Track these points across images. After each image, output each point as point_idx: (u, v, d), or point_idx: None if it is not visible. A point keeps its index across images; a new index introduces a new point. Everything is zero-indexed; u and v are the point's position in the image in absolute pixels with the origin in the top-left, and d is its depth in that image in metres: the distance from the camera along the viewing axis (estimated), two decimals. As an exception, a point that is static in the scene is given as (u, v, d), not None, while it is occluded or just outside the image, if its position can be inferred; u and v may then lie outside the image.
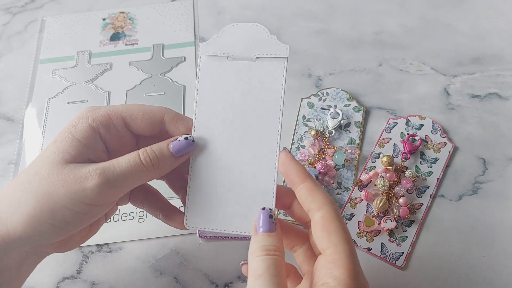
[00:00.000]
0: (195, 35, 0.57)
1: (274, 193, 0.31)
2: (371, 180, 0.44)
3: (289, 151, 0.31)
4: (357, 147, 0.46)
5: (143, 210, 0.44)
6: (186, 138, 0.31)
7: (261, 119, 0.31)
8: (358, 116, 0.48)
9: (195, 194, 0.32)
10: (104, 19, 0.59)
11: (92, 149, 0.30)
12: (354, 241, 0.41)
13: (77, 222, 0.29)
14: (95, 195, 0.28)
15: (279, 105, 0.31)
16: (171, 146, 0.31)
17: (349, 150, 0.45)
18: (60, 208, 0.28)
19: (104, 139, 0.31)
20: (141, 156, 0.29)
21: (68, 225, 0.29)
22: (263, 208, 0.30)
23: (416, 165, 0.45)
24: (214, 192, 0.32)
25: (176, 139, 0.31)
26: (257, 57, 0.31)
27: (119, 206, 0.38)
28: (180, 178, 0.35)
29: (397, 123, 0.48)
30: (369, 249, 0.41)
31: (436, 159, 0.45)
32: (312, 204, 0.28)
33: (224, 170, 0.32)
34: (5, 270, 0.29)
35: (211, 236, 0.42)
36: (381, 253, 0.41)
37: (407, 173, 0.44)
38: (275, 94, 0.31)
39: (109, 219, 0.44)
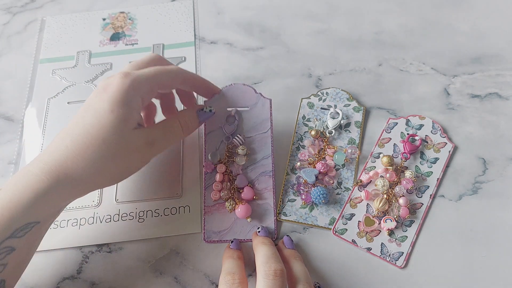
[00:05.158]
0: (195, 35, 0.57)
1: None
2: (371, 180, 0.44)
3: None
4: (357, 147, 0.46)
5: (143, 210, 0.44)
6: (210, 111, 0.42)
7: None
8: (358, 116, 0.48)
9: None
10: (104, 19, 0.59)
11: (139, 114, 0.36)
12: (354, 241, 0.41)
13: (140, 168, 0.38)
14: (155, 155, 0.38)
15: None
16: (198, 115, 0.41)
17: (349, 150, 0.45)
18: (135, 166, 0.37)
19: (145, 102, 0.37)
20: (183, 128, 0.39)
21: (135, 171, 0.37)
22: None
23: (416, 165, 0.45)
24: None
25: (202, 110, 0.41)
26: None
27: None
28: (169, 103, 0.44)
29: (397, 123, 0.48)
30: (369, 249, 0.41)
31: (436, 159, 0.45)
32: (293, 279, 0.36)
33: None
34: (55, 214, 0.35)
35: (217, 241, 0.42)
36: (381, 253, 0.41)
37: (407, 173, 0.44)
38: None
39: (110, 220, 0.44)
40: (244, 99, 0.45)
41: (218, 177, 0.43)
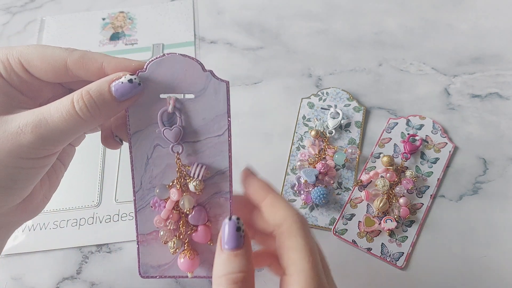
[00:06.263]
0: (195, 35, 0.57)
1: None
2: (371, 180, 0.44)
3: (250, 169, 0.30)
4: (357, 147, 0.46)
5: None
6: (130, 81, 0.26)
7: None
8: (358, 116, 0.48)
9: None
10: (103, 19, 0.59)
11: (6, 96, 0.27)
12: (354, 241, 0.41)
13: (26, 177, 0.26)
14: (33, 150, 0.25)
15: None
16: (113, 88, 0.25)
17: (349, 150, 0.45)
18: (1, 168, 0.25)
19: (12, 84, 0.27)
20: (76, 106, 0.25)
21: (17, 183, 0.26)
22: (230, 218, 0.26)
23: (417, 165, 0.45)
24: None
25: (118, 80, 0.26)
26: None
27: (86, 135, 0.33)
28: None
29: (397, 123, 0.48)
30: (369, 249, 0.41)
31: (437, 159, 0.45)
32: (274, 220, 0.27)
33: None
34: None
35: (157, 276, 0.31)
36: (381, 253, 0.41)
37: (408, 173, 0.44)
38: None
39: (109, 220, 0.44)
40: (186, 80, 0.28)
41: (168, 204, 0.29)
